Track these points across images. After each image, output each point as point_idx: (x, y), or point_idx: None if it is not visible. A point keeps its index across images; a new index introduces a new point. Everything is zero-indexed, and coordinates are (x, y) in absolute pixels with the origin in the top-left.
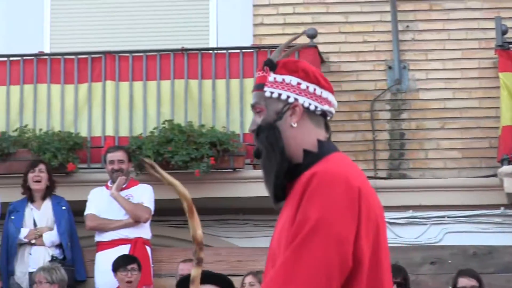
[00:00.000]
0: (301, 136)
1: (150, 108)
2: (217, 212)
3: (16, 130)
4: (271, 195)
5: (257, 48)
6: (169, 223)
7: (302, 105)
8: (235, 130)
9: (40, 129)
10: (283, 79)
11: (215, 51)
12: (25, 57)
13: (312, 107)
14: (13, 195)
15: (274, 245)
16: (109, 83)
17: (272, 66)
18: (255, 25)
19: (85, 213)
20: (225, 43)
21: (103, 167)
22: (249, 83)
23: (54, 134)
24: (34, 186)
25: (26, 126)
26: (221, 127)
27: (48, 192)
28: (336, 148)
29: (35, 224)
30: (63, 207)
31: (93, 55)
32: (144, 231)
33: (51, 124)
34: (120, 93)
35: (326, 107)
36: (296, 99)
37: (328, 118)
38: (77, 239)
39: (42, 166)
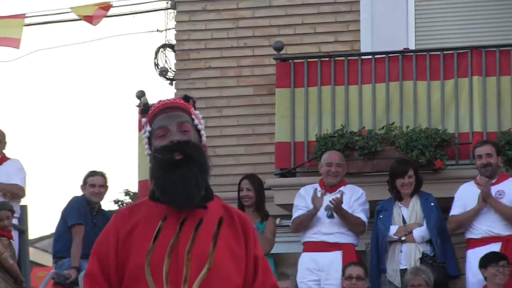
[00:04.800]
0: None
1: None
2: None
3: (382, 128)
4: (190, 198)
5: None
6: None
7: None
8: None
9: (407, 127)
10: (201, 120)
11: None
12: (390, 55)
13: None
14: (381, 193)
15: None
16: (476, 79)
17: (194, 102)
18: None
19: (450, 213)
20: None
21: (472, 163)
22: None
23: (421, 131)
24: (403, 191)
25: (392, 123)
26: None
27: (416, 189)
28: None
29: (404, 222)
30: (432, 204)
31: (459, 51)
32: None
33: (418, 121)
34: (487, 88)
35: None
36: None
37: None
38: (447, 236)
39: (411, 172)
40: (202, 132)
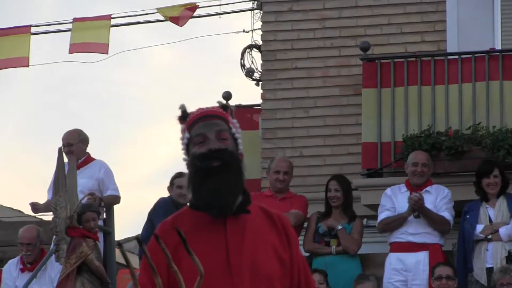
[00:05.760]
0: None
1: None
2: None
3: (469, 128)
4: (225, 206)
5: None
6: None
7: None
8: None
9: (494, 126)
10: (238, 129)
11: None
12: (476, 54)
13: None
14: (467, 193)
15: (265, 265)
16: None
17: (231, 111)
18: None
19: None
20: None
21: None
22: None
23: (507, 131)
24: (489, 190)
25: (479, 123)
26: None
27: (502, 190)
28: None
29: (490, 221)
30: None
31: None
32: None
33: (504, 120)
34: None
35: None
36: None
37: None
38: None
39: (496, 172)
40: (239, 141)
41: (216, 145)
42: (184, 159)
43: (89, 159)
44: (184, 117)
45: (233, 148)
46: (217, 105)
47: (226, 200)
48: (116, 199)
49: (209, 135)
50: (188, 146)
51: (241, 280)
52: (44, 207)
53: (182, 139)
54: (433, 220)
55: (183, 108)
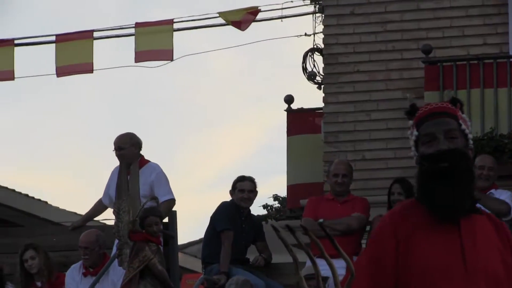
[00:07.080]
0: None
1: None
2: None
3: None
4: (454, 207)
5: None
6: None
7: None
8: None
9: None
10: (468, 122)
11: None
12: None
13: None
14: None
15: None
16: None
17: (461, 105)
18: None
19: None
20: None
21: None
22: None
23: None
24: None
25: None
26: None
27: None
28: None
29: None
30: None
31: None
32: None
33: None
34: None
35: None
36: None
37: None
38: None
39: None
40: (469, 136)
41: (445, 146)
42: (414, 155)
43: (142, 163)
44: (412, 112)
45: (463, 147)
46: (446, 100)
47: (455, 204)
48: (170, 204)
49: (437, 134)
50: (416, 143)
51: (477, 283)
52: (83, 220)
53: (411, 135)
54: (488, 201)
55: (411, 102)
